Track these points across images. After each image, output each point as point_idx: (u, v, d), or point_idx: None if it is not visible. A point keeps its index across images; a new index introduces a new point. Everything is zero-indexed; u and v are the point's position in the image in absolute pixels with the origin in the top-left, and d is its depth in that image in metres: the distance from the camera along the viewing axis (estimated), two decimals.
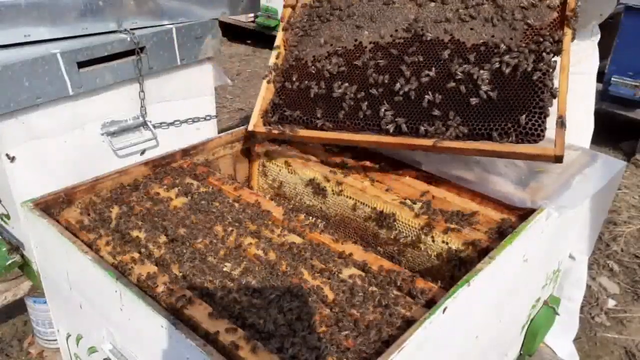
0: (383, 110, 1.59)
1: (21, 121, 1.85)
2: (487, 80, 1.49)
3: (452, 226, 1.50)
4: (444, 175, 1.71)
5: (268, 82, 1.82)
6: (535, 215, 1.47)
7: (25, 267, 2.16)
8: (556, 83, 1.46)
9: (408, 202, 1.61)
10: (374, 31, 1.72)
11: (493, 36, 1.56)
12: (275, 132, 1.73)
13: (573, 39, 1.50)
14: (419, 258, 1.55)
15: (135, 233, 1.47)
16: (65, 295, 1.53)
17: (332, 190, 1.74)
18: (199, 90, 2.37)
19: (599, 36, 2.07)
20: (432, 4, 1.68)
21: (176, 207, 1.60)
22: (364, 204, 1.67)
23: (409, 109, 1.57)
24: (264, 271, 1.34)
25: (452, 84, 1.54)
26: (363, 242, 1.65)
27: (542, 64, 1.47)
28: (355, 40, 1.73)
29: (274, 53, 1.86)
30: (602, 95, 4.51)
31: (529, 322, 1.86)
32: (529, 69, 1.47)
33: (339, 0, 1.82)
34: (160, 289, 1.24)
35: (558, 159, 1.40)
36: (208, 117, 2.41)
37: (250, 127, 1.80)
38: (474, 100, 1.49)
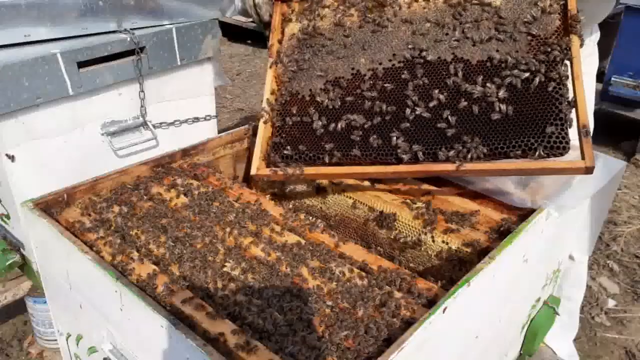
0: (394, 138, 1.51)
1: (21, 121, 1.85)
2: (502, 97, 1.44)
3: (452, 226, 1.50)
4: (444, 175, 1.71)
5: (265, 122, 1.71)
6: (535, 215, 1.47)
7: (25, 267, 2.16)
8: (571, 92, 1.40)
9: (408, 202, 1.61)
10: (370, 57, 1.63)
11: (498, 50, 1.49)
12: (281, 173, 1.63)
13: (581, 45, 1.44)
14: (419, 258, 1.55)
15: (135, 233, 1.47)
16: (65, 295, 1.53)
17: (332, 190, 1.74)
18: (199, 90, 2.37)
19: (599, 36, 2.07)
20: (428, 24, 1.59)
21: (176, 207, 1.60)
22: (364, 203, 1.67)
23: (422, 134, 1.50)
24: (264, 271, 1.34)
25: (464, 104, 1.47)
26: (363, 242, 1.65)
27: (554, 73, 1.41)
28: (352, 68, 1.64)
29: (267, 90, 1.74)
30: (602, 95, 4.52)
31: (529, 322, 1.86)
32: (543, 80, 1.41)
33: (328, 31, 1.72)
34: (160, 289, 1.24)
35: (589, 170, 1.35)
36: (208, 117, 2.41)
37: (253, 171, 1.68)
38: (494, 116, 1.42)
